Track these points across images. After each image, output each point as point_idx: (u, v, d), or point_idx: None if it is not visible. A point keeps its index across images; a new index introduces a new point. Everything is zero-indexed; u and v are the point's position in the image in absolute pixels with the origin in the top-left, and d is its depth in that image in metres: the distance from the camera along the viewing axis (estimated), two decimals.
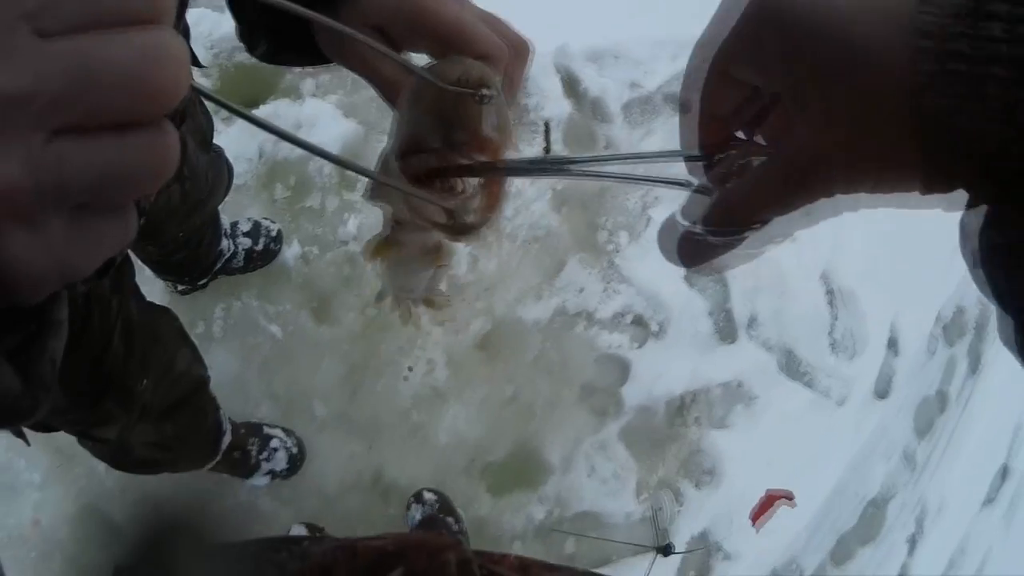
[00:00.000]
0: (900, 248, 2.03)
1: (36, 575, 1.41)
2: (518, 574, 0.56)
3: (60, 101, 0.18)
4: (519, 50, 0.38)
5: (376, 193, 0.38)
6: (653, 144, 1.81)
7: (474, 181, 0.36)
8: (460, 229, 0.36)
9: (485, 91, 0.34)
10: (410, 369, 1.53)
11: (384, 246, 0.42)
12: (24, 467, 1.46)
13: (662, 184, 0.33)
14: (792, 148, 0.28)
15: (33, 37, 0.18)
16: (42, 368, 0.24)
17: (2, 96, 0.17)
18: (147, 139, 0.20)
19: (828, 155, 0.27)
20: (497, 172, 0.36)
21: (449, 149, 0.36)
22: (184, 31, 0.68)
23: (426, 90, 0.34)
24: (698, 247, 0.32)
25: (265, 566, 0.53)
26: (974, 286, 0.26)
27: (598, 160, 0.34)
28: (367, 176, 0.33)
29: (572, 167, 0.34)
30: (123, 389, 0.79)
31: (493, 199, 0.36)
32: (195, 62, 0.79)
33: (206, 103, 1.01)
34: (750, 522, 1.14)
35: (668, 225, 0.33)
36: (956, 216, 0.27)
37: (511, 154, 0.36)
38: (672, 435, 1.62)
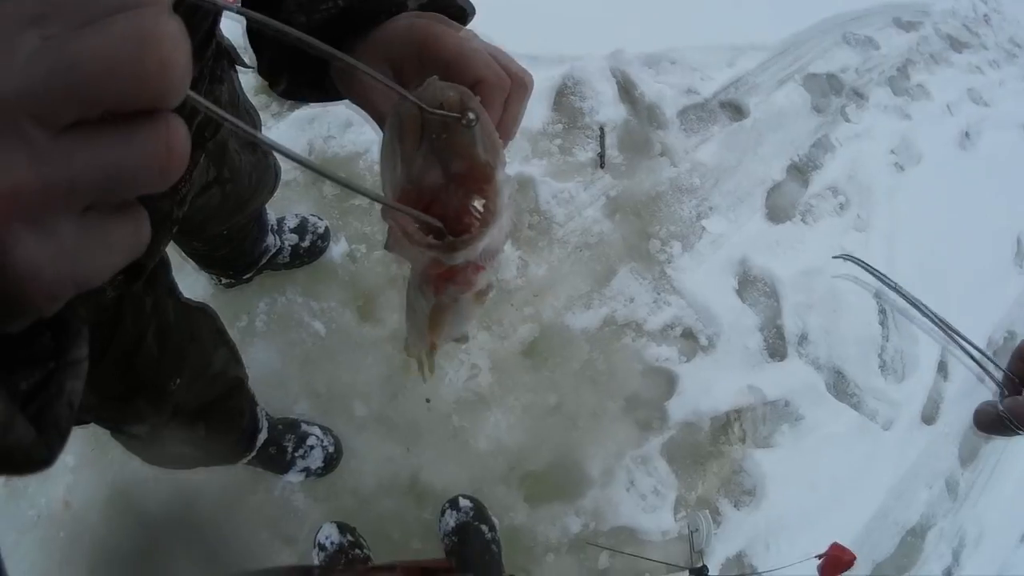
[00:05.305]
0: (954, 269, 1.96)
1: (63, 556, 1.41)
2: None
3: (50, 96, 0.18)
4: (520, 82, 0.39)
5: (393, 245, 0.37)
6: (709, 149, 1.75)
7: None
8: (453, 247, 0.35)
9: (471, 115, 0.34)
10: (428, 401, 1.51)
11: (438, 318, 0.40)
12: None
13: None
14: None
15: (37, 41, 0.18)
16: (58, 411, 0.23)
17: None
18: (151, 131, 0.19)
19: None
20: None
21: (452, 183, 0.36)
22: (216, 46, 0.65)
23: (408, 117, 0.35)
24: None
25: None
26: None
27: None
28: (378, 201, 0.33)
29: None
30: (155, 388, 0.78)
31: (488, 214, 0.36)
32: (240, 62, 0.77)
33: (249, 100, 0.99)
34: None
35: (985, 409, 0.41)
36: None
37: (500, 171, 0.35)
38: (715, 452, 1.58)
